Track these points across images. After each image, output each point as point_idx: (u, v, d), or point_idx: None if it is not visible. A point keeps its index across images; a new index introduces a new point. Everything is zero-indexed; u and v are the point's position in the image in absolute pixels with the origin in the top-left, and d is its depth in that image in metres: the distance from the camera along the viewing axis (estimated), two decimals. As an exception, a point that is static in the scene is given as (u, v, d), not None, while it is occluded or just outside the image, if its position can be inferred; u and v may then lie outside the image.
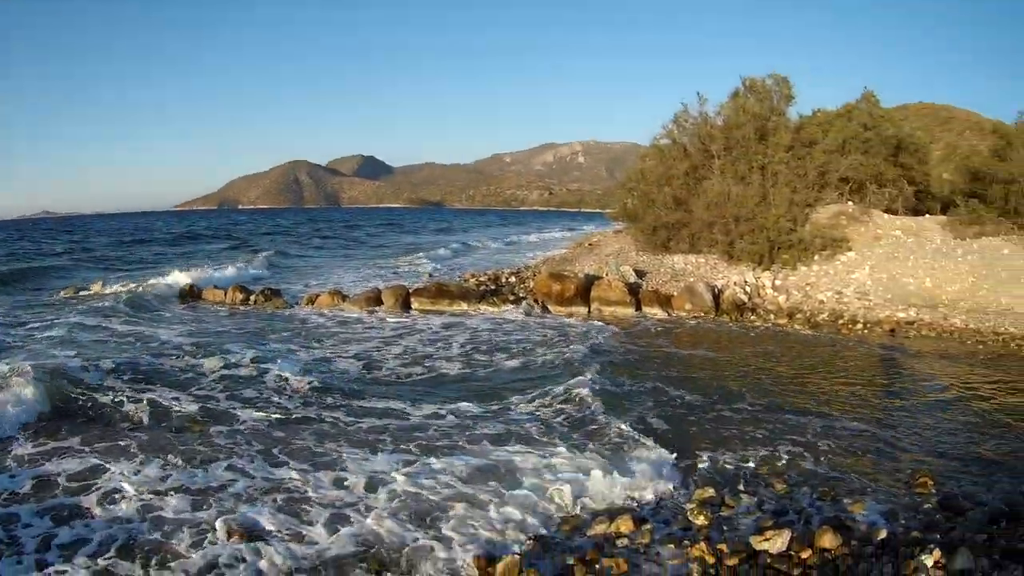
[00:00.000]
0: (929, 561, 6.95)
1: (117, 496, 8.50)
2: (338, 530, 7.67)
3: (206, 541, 7.44)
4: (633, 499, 8.69)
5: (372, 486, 8.87)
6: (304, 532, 7.66)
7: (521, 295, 22.17)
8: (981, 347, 18.31)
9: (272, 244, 51.62)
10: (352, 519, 7.97)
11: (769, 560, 7.18)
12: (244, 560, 7.08)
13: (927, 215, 25.24)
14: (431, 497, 8.52)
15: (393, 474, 9.21)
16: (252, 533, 7.58)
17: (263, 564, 7.01)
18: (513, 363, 15.49)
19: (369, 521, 7.85)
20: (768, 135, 24.31)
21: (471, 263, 37.32)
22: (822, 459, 10.32)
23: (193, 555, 7.16)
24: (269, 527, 7.74)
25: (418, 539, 7.47)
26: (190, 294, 23.74)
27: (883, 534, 7.80)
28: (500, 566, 6.70)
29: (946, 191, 27.55)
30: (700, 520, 8.11)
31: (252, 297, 22.62)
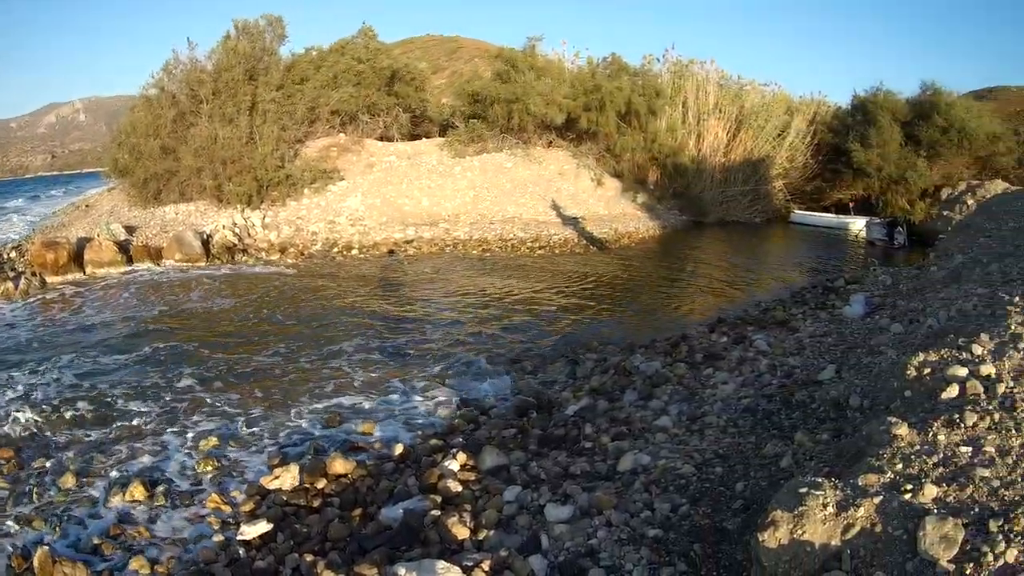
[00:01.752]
0: (455, 465, 8.32)
1: None
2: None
3: None
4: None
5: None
6: None
7: (21, 269, 23.42)
8: (488, 255, 21.80)
9: None
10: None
11: (286, 497, 8.23)
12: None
13: (425, 139, 29.57)
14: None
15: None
16: None
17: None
18: None
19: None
20: (259, 75, 28.33)
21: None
22: (328, 386, 11.82)
23: None
24: None
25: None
26: None
27: (400, 448, 9.24)
28: (35, 560, 7.27)
29: (447, 115, 32.36)
30: (209, 470, 9.16)
31: None
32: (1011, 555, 4.15)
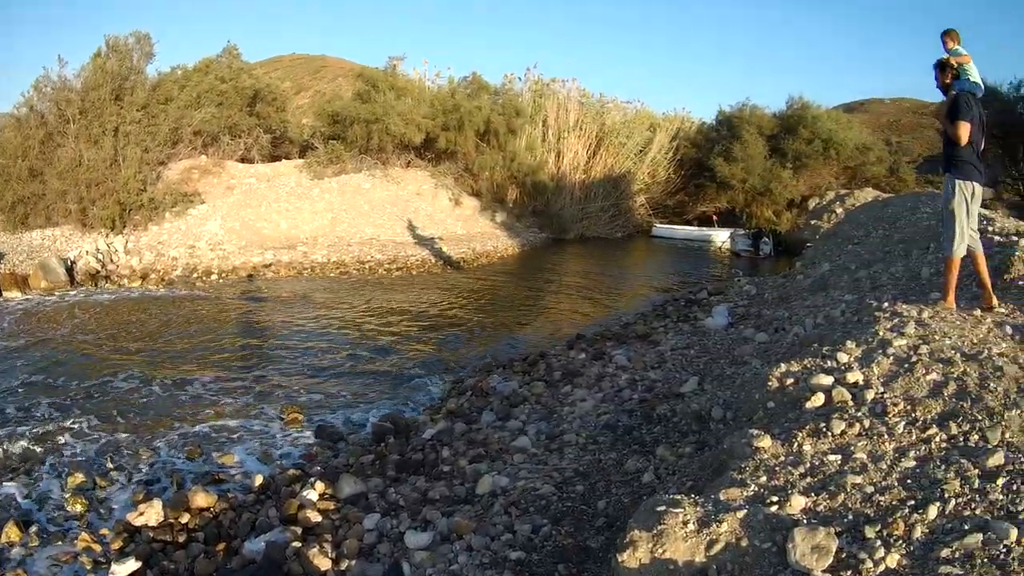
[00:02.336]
0: (313, 495, 8.27)
1: None
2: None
3: None
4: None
5: None
6: None
7: None
8: (345, 277, 21.67)
9: None
10: None
11: (152, 534, 7.99)
12: None
13: (284, 160, 29.44)
14: None
15: None
16: None
17: None
18: None
19: None
20: (125, 95, 27.58)
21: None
22: (187, 417, 11.45)
23: None
24: None
25: None
26: None
27: (260, 479, 9.11)
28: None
29: (307, 135, 32.28)
30: (78, 508, 8.81)
31: None
32: (892, 560, 4.16)
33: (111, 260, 23.90)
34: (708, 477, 6.29)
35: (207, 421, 11.36)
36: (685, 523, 4.57)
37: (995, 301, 9.06)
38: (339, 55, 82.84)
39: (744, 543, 4.40)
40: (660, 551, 4.49)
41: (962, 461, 5.03)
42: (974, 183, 8.92)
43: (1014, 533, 4.14)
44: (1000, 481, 4.73)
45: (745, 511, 4.58)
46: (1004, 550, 4.07)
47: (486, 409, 10.74)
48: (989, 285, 9.14)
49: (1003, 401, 5.81)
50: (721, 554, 4.39)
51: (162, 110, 27.76)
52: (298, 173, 28.00)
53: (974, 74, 9.35)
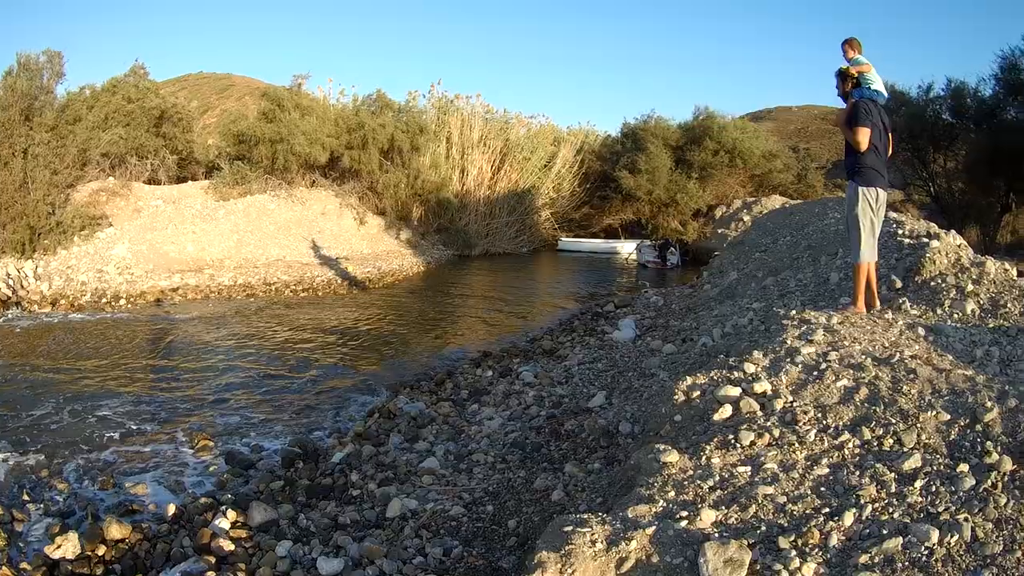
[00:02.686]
0: (225, 523, 7.97)
1: None
2: None
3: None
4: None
5: None
6: None
7: None
8: (252, 299, 21.30)
9: None
10: None
11: (71, 567, 7.71)
12: None
13: (190, 181, 28.80)
14: None
15: None
16: None
17: None
18: None
19: None
20: (34, 115, 26.11)
21: None
22: (98, 446, 11.04)
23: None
24: None
25: None
26: None
27: (173, 508, 8.71)
28: None
29: (212, 156, 31.73)
30: None
31: None
32: (809, 570, 4.13)
33: (21, 286, 23.16)
34: (617, 493, 6.22)
35: (119, 448, 11.05)
36: (593, 542, 4.53)
37: (876, 302, 9.40)
38: (246, 73, 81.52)
39: (655, 560, 4.35)
40: (569, 571, 4.39)
41: (877, 466, 5.02)
42: (878, 189, 9.06)
43: (935, 535, 4.12)
44: (918, 483, 4.72)
45: (655, 527, 4.55)
46: (926, 552, 4.05)
47: (393, 431, 10.58)
48: (875, 287, 9.47)
49: (917, 403, 5.83)
50: (632, 572, 4.34)
51: (70, 131, 26.95)
52: (204, 195, 27.43)
53: (876, 82, 9.45)
